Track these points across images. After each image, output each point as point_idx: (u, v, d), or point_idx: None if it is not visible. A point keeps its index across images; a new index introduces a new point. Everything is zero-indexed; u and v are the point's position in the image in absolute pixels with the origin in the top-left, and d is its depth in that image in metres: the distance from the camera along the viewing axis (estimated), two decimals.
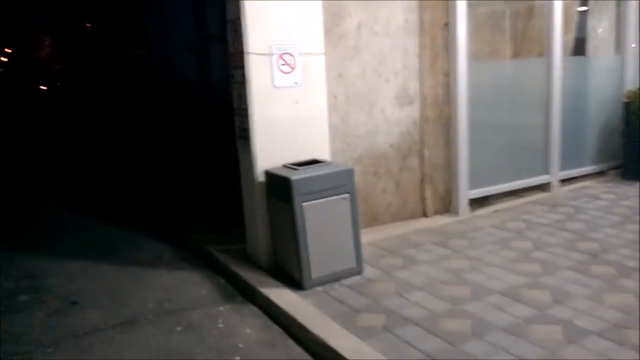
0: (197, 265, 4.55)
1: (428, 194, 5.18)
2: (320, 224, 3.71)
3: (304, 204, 3.62)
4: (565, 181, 5.99)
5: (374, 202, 4.93)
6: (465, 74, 4.96)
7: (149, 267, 4.60)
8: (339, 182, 3.74)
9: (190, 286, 4.16)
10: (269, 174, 3.88)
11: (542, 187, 5.83)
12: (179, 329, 3.51)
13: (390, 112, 4.85)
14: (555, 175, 5.85)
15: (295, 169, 3.76)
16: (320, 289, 3.73)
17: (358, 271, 3.91)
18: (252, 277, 3.99)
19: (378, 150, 4.86)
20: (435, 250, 4.33)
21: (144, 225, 5.74)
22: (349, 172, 3.79)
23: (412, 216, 5.18)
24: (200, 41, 8.75)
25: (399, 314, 3.31)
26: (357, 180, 4.09)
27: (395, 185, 5.03)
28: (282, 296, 3.64)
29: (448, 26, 4.92)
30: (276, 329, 3.45)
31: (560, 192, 5.82)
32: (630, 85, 6.22)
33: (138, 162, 7.75)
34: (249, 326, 3.50)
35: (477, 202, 5.38)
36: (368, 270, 3.98)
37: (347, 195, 3.78)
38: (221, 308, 3.77)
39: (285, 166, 3.88)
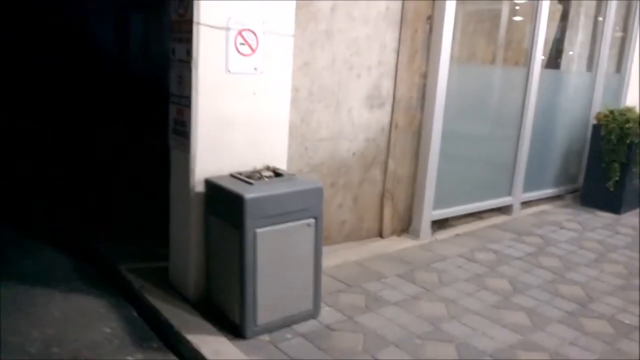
0: (102, 288, 3.53)
1: (387, 211, 4.47)
2: (276, 256, 2.86)
3: (258, 230, 2.75)
4: (524, 204, 5.51)
5: (327, 219, 4.10)
6: (445, 77, 4.25)
7: (38, 286, 3.53)
8: (304, 203, 2.90)
9: (90, 320, 3.16)
10: (212, 185, 2.97)
11: (503, 210, 5.32)
12: None
13: (358, 114, 4.06)
14: (518, 197, 5.35)
15: (248, 182, 2.87)
16: (266, 338, 2.89)
17: (314, 314, 3.10)
18: (175, 314, 3.07)
19: (340, 157, 4.07)
20: (402, 286, 3.62)
21: (39, 227, 4.54)
22: (318, 192, 2.96)
23: (367, 236, 4.45)
24: (120, 7, 7.43)
25: None
26: None
27: (353, 200, 4.27)
28: (218, 350, 2.76)
29: (431, 20, 4.18)
30: None
31: (521, 216, 5.33)
32: (598, 106, 5.85)
33: (37, 148, 6.30)
34: None
35: (437, 224, 4.74)
36: (325, 312, 3.18)
37: (312, 221, 2.95)
38: (130, 359, 2.83)
39: (234, 176, 2.98)
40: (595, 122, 5.62)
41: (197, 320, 3.01)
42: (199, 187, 3.04)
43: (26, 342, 2.90)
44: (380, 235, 4.51)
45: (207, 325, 2.97)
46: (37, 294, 3.42)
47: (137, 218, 4.60)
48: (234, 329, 2.90)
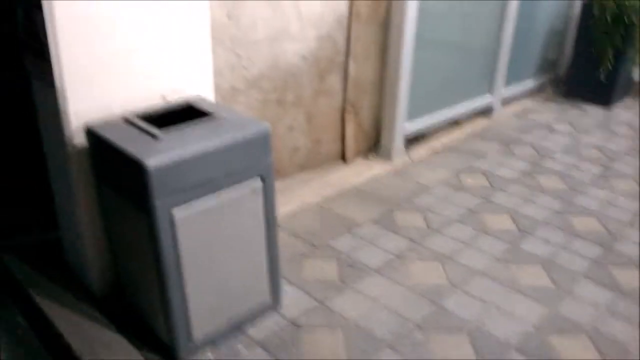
0: None
1: (350, 129, 3.49)
2: (208, 241, 1.87)
3: (176, 210, 1.73)
4: (503, 102, 4.65)
5: (276, 147, 3.12)
6: None
7: None
8: (245, 159, 1.86)
9: None
10: (96, 138, 1.86)
11: (483, 111, 4.45)
12: None
13: (306, 2, 2.91)
14: (499, 94, 4.46)
15: (151, 134, 1.78)
16: (209, 356, 2.00)
17: (273, 305, 2.21)
18: (73, 325, 2.09)
19: (285, 64, 2.97)
20: (382, 239, 2.75)
21: None
22: (263, 138, 1.91)
23: (326, 161, 3.51)
24: None
25: None
26: (255, 115, 2.28)
27: (307, 119, 3.25)
28: None
29: None
30: None
31: (503, 117, 4.49)
32: None
33: None
34: None
35: (410, 138, 3.83)
36: (288, 296, 2.30)
37: (258, 184, 1.94)
38: None
39: (129, 121, 1.88)
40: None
41: (108, 335, 2.05)
42: (79, 138, 1.93)
43: None
44: (343, 158, 3.58)
45: (122, 343, 2.03)
46: None
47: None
48: (162, 348, 1.98)
